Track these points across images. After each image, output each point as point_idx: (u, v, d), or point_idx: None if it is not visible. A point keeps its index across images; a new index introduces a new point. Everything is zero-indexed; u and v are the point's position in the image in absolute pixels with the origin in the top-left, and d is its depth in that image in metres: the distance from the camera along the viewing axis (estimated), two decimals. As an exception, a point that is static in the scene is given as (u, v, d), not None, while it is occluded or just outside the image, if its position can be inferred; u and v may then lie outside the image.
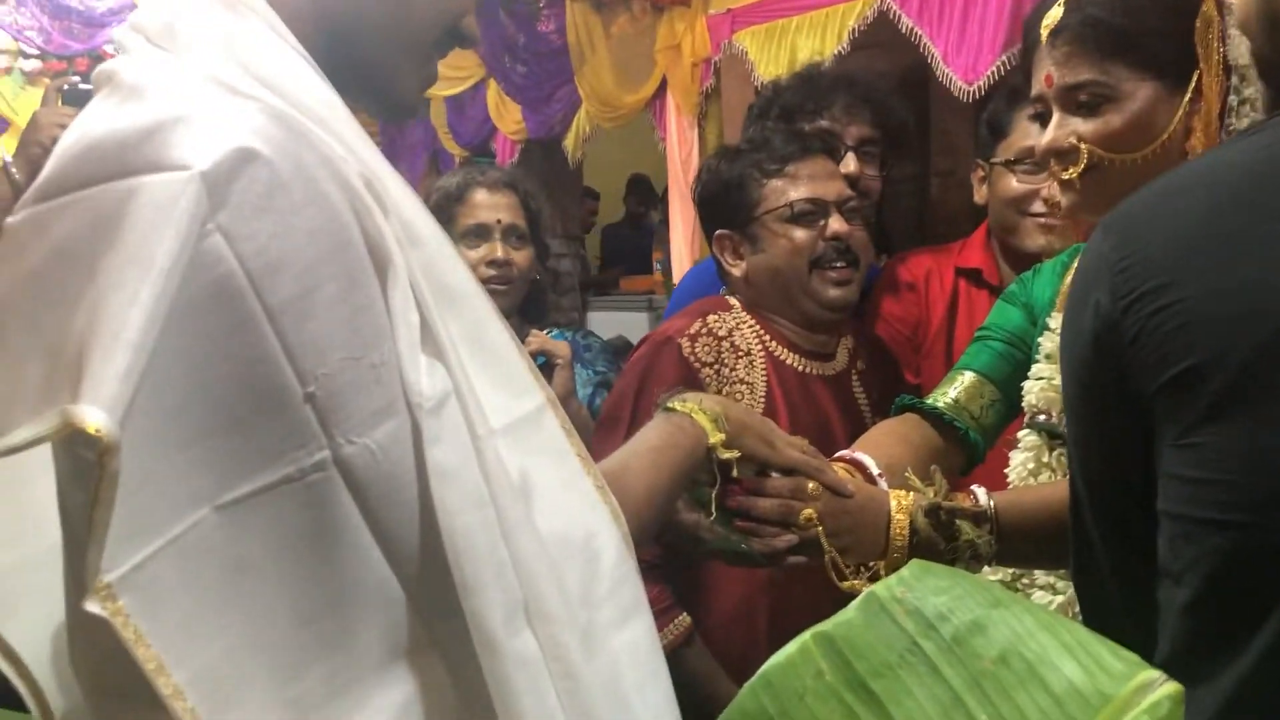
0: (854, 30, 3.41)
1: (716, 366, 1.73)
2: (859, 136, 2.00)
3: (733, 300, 1.82)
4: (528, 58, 5.06)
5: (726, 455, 1.16)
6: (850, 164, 1.92)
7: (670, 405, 1.16)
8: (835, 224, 1.75)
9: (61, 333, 0.69)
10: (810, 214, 1.74)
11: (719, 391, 1.69)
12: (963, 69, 2.98)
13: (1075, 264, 1.42)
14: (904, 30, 3.17)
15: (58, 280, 0.72)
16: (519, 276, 2.09)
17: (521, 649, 0.78)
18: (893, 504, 1.33)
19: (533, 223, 2.17)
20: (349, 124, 0.82)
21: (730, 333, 1.76)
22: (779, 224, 1.75)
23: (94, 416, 0.64)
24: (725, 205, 1.80)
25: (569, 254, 6.39)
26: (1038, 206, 1.96)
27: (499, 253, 2.07)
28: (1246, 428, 0.86)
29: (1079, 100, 1.30)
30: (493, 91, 5.53)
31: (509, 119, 5.52)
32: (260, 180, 0.72)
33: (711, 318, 1.77)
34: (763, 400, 1.73)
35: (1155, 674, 0.76)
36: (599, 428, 1.79)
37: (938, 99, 4.29)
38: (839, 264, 1.75)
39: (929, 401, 1.58)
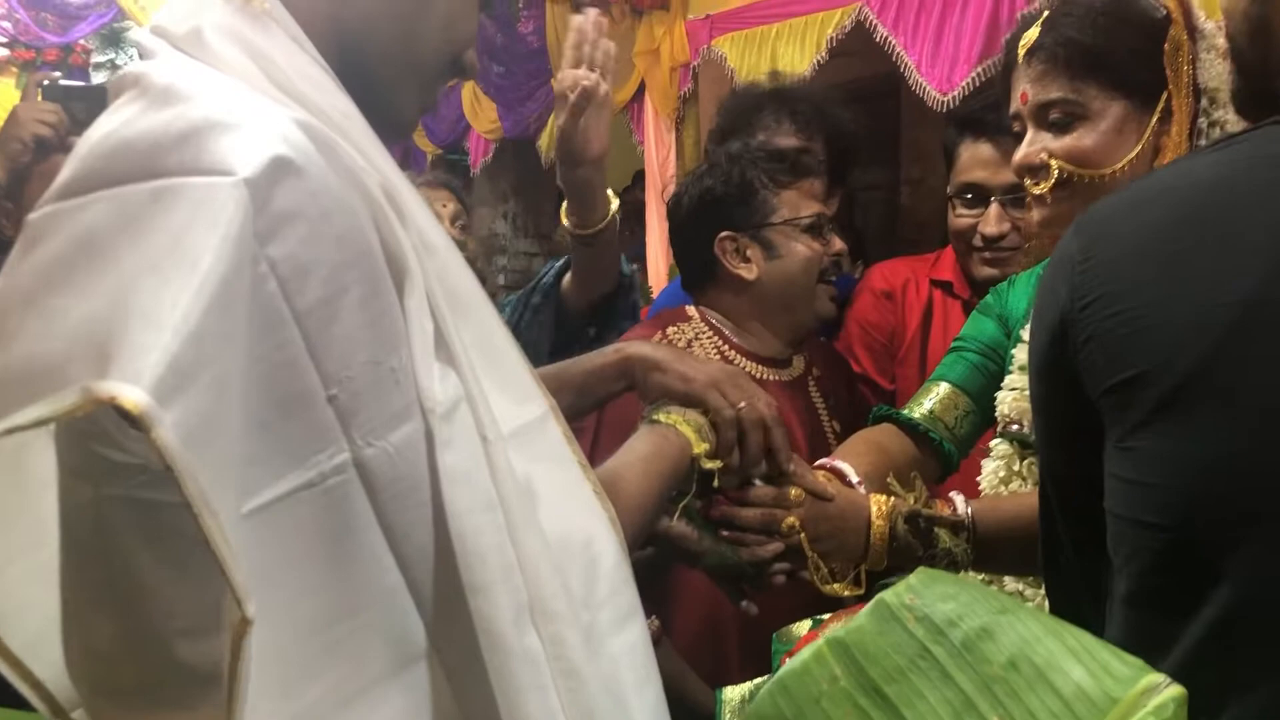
0: (832, 39, 3.44)
1: None
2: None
3: (691, 311, 1.85)
4: (506, 58, 5.05)
5: (709, 465, 1.18)
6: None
7: (655, 417, 1.17)
8: (838, 241, 1.82)
9: (77, 319, 0.67)
10: (820, 228, 1.80)
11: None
12: (938, 80, 3.01)
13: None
14: (878, 40, 3.21)
15: (77, 268, 0.69)
16: (469, 259, 2.18)
17: (529, 646, 0.79)
18: (873, 509, 1.36)
19: (469, 215, 2.26)
20: (366, 135, 0.83)
21: (689, 344, 1.78)
22: (797, 233, 1.78)
23: (132, 393, 0.61)
24: (735, 208, 1.80)
25: (540, 253, 6.41)
26: (977, 240, 2.01)
27: (455, 234, 2.14)
28: (1177, 437, 0.89)
29: (1051, 118, 1.34)
30: (468, 90, 5.52)
31: (484, 118, 5.51)
32: (294, 188, 0.72)
33: (671, 329, 1.80)
34: None
35: (1160, 677, 0.77)
36: None
37: (908, 107, 4.34)
38: (833, 278, 1.82)
39: (905, 412, 1.60)
